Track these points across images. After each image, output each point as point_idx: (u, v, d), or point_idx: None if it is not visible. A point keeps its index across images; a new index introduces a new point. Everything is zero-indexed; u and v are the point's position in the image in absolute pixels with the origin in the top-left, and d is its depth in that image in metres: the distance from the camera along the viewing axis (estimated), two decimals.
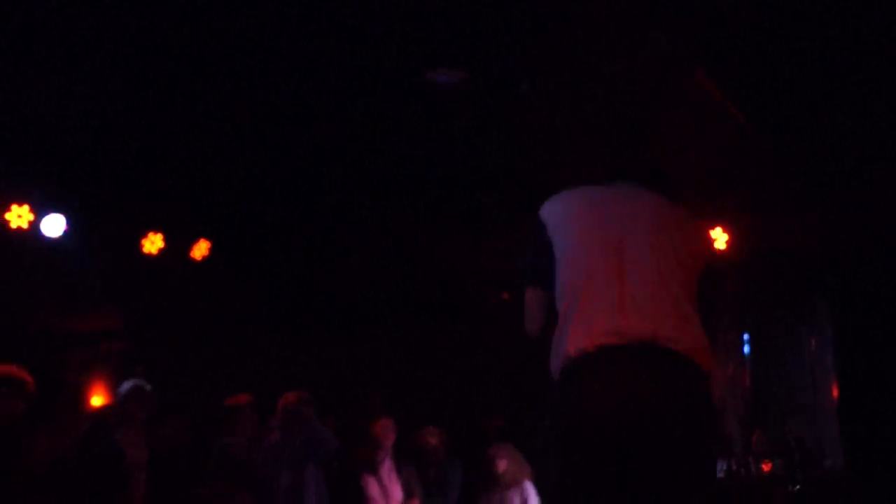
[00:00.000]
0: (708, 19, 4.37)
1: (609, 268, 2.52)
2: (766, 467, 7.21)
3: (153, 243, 7.10)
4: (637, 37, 4.39)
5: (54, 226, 6.56)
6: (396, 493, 6.58)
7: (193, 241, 7.36)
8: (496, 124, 5.61)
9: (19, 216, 6.41)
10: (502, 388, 8.42)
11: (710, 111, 5.08)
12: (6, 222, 6.37)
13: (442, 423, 7.30)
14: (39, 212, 6.50)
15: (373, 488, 6.49)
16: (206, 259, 7.39)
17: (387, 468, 6.60)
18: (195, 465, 5.93)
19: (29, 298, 7.08)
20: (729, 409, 8.30)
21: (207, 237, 7.38)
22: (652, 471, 2.34)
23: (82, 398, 8.35)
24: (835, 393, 7.54)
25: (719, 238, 6.97)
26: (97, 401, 8.30)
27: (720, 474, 6.93)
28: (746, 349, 8.61)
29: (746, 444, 7.97)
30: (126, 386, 5.42)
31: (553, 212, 2.70)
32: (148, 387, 5.45)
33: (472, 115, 5.48)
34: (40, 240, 6.52)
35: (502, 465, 6.47)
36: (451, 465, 7.01)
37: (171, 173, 6.39)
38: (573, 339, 2.46)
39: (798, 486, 6.58)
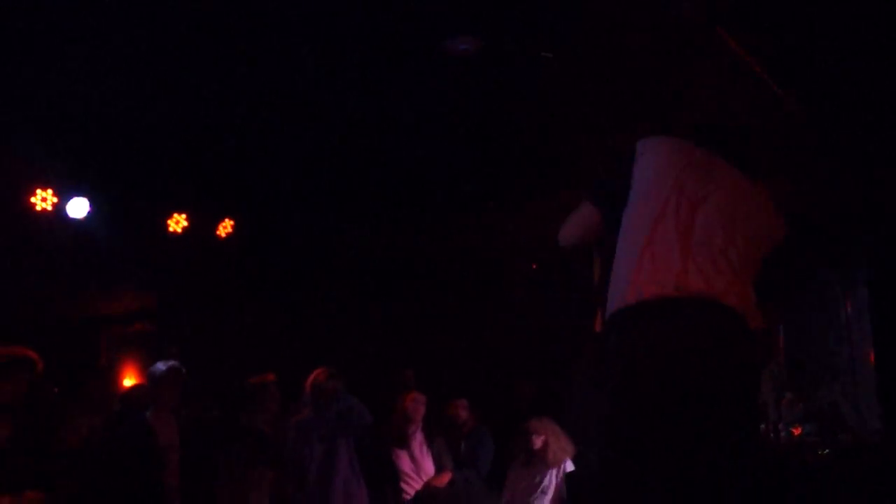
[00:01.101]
0: None
1: (679, 223, 2.57)
2: (796, 432, 7.10)
3: (178, 223, 7.13)
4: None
5: (78, 208, 6.59)
6: (428, 466, 6.56)
7: (218, 220, 7.37)
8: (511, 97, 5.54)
9: (44, 199, 6.46)
10: (532, 360, 8.37)
11: (736, 72, 4.96)
12: (31, 206, 6.42)
13: (472, 396, 7.27)
14: (63, 195, 6.54)
15: (404, 462, 6.48)
16: (231, 237, 7.40)
17: (418, 442, 6.59)
18: (222, 443, 5.94)
19: (55, 281, 7.12)
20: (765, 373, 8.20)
21: (231, 216, 7.38)
22: (697, 415, 2.43)
23: (113, 379, 8.41)
24: (871, 357, 7.41)
25: None
26: (129, 381, 8.36)
27: None
28: None
29: (777, 408, 7.87)
30: (161, 367, 5.41)
31: (647, 147, 2.74)
32: (184, 369, 5.46)
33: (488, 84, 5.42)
34: (65, 222, 6.55)
35: (539, 441, 6.30)
36: (481, 438, 6.98)
37: (192, 153, 6.38)
38: (633, 286, 2.53)
39: (826, 451, 6.45)
